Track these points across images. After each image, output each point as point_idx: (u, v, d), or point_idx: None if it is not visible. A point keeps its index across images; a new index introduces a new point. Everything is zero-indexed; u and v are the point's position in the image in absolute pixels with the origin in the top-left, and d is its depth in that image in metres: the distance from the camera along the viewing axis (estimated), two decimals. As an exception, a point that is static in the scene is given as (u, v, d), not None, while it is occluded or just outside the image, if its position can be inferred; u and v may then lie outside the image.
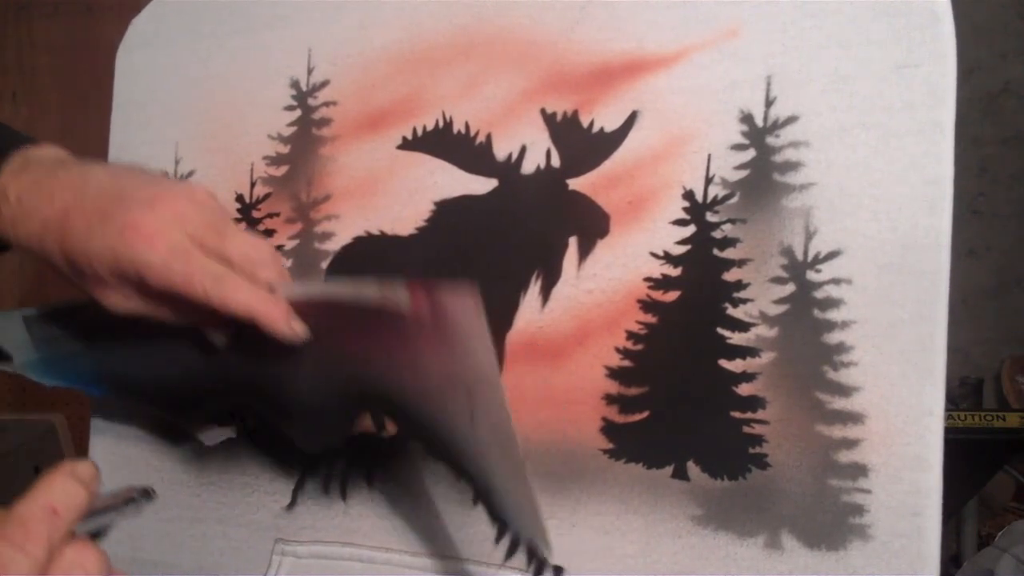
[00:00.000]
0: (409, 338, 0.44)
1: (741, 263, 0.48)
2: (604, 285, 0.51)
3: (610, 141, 0.52)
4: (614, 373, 0.50)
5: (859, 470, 0.44)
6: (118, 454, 0.64)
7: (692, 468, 0.48)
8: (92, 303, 0.49)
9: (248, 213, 0.62)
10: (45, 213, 0.47)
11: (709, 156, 0.49)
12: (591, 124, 0.52)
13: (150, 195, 0.46)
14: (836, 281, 0.45)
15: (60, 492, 0.32)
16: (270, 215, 0.62)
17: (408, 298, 0.43)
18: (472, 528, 0.53)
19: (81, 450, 0.68)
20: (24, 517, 0.31)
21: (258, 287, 0.46)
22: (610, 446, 0.50)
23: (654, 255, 0.50)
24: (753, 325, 0.47)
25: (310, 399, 0.50)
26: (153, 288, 0.46)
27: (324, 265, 0.59)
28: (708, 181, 0.49)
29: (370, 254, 0.58)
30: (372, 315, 0.45)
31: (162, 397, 0.57)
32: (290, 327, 0.46)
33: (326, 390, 0.49)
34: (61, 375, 0.59)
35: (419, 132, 0.57)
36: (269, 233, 0.61)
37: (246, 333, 0.47)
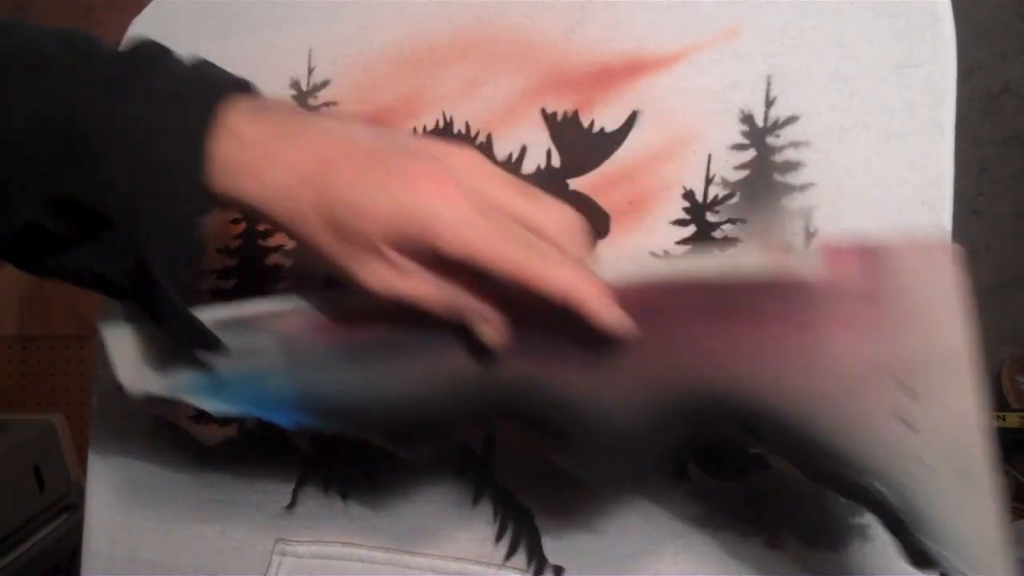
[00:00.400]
0: (811, 315, 0.35)
1: (742, 263, 0.48)
2: (605, 285, 0.51)
3: (610, 141, 0.51)
4: (615, 373, 0.50)
5: (860, 470, 0.44)
6: (117, 454, 0.64)
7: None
8: (300, 305, 0.43)
9: (248, 213, 0.62)
10: (295, 159, 0.39)
11: (709, 156, 0.49)
12: (591, 124, 0.52)
13: (432, 147, 0.39)
14: (837, 281, 0.45)
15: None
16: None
17: (822, 261, 0.34)
18: (472, 528, 0.53)
19: (81, 450, 0.67)
20: None
21: (579, 264, 0.37)
22: (611, 446, 0.50)
23: (654, 255, 0.50)
24: (754, 325, 0.47)
25: (619, 416, 0.40)
26: (440, 252, 0.37)
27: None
28: (708, 181, 0.49)
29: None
30: (741, 292, 0.36)
31: (395, 426, 0.46)
32: (617, 314, 0.37)
33: (646, 403, 0.39)
34: (244, 399, 0.47)
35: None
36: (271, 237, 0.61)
37: (531, 329, 0.39)
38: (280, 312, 0.44)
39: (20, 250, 0.44)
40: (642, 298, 0.38)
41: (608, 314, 0.37)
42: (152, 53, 0.43)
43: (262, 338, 0.46)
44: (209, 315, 0.46)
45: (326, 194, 0.38)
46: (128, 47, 0.43)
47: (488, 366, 0.42)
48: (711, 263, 0.37)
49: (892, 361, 0.34)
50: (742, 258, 0.37)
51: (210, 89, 0.41)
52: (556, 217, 0.40)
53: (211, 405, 0.48)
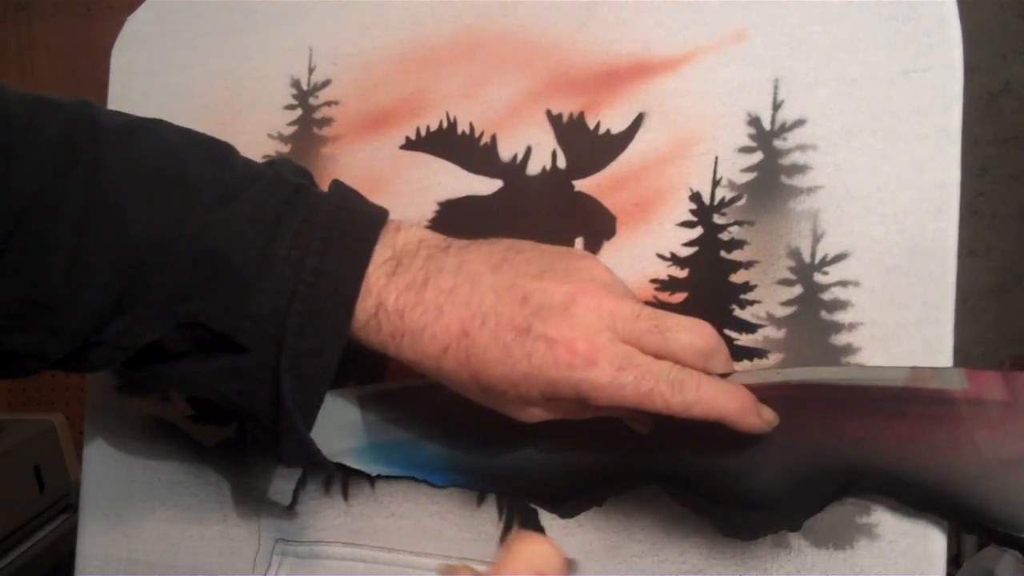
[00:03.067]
0: (956, 418, 0.41)
1: (748, 265, 0.48)
2: (610, 286, 0.51)
3: (616, 143, 0.52)
4: (621, 374, 0.51)
5: (866, 471, 0.45)
6: (114, 454, 0.64)
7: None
8: (442, 387, 0.45)
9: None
10: (436, 332, 0.42)
11: (716, 158, 0.49)
12: (597, 126, 0.52)
13: (559, 296, 0.41)
14: (843, 283, 0.46)
15: (542, 556, 0.32)
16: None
17: (964, 380, 0.41)
18: (477, 528, 0.53)
19: (81, 450, 0.67)
20: None
21: (718, 381, 0.42)
22: (618, 447, 0.51)
23: (661, 257, 0.50)
24: (761, 327, 0.47)
25: (760, 480, 0.45)
26: (591, 405, 0.41)
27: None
28: (715, 183, 0.49)
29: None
30: (885, 395, 0.42)
31: (546, 488, 0.51)
32: (762, 419, 0.42)
33: (789, 471, 0.45)
34: (396, 462, 0.54)
35: (423, 132, 0.57)
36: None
37: (675, 420, 0.41)
38: (435, 385, 0.46)
39: (132, 358, 0.47)
40: (787, 393, 0.44)
41: (752, 422, 0.41)
42: (297, 186, 0.46)
43: (418, 408, 0.52)
44: (370, 389, 0.52)
45: (472, 364, 0.42)
46: (272, 173, 0.47)
47: (636, 445, 0.47)
48: (854, 373, 0.44)
49: None
50: (887, 372, 0.43)
51: (355, 233, 0.45)
52: (687, 342, 0.42)
53: (372, 468, 0.54)
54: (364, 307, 0.44)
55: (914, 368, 0.42)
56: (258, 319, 0.43)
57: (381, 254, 0.44)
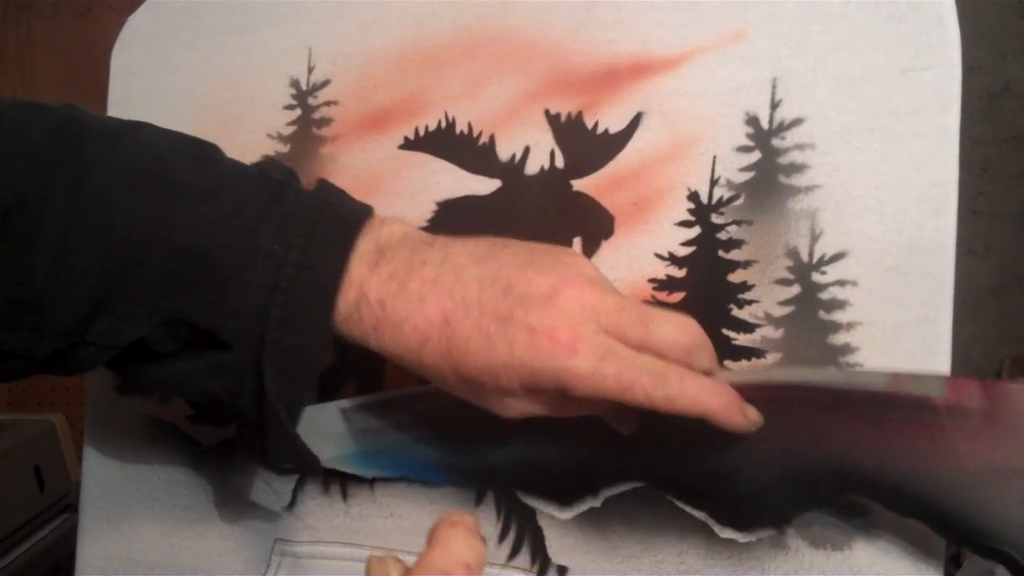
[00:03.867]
0: (935, 426, 0.41)
1: (746, 264, 0.48)
2: (608, 286, 0.51)
3: (615, 142, 0.52)
4: (619, 374, 0.51)
5: (864, 471, 0.45)
6: (114, 454, 0.64)
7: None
8: (426, 394, 0.45)
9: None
10: (417, 322, 0.42)
11: (714, 158, 0.49)
12: (595, 125, 0.52)
13: (543, 287, 0.41)
14: (842, 283, 0.46)
15: (470, 548, 0.32)
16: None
17: (944, 388, 0.40)
18: (475, 528, 0.53)
19: (80, 450, 0.67)
20: (445, 573, 0.31)
21: (702, 377, 0.41)
22: (616, 447, 0.51)
23: (659, 256, 0.50)
24: (759, 326, 0.47)
25: (748, 476, 0.45)
26: (576, 396, 0.40)
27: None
28: (713, 183, 0.49)
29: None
30: (866, 401, 0.42)
31: (542, 485, 0.51)
32: (747, 418, 0.41)
33: (775, 476, 0.45)
34: (388, 466, 0.54)
35: (421, 132, 0.57)
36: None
37: (661, 418, 0.41)
38: (421, 394, 0.47)
39: (117, 359, 0.47)
40: (771, 394, 0.43)
41: (736, 420, 0.41)
42: (281, 183, 0.46)
43: (404, 416, 0.52)
44: (357, 401, 0.52)
45: (453, 354, 0.41)
46: (257, 171, 0.47)
47: (623, 445, 0.47)
48: (836, 376, 0.44)
49: (1014, 465, 0.40)
50: (868, 377, 0.42)
51: (338, 227, 0.44)
52: (671, 336, 0.41)
53: (368, 472, 0.55)
54: (346, 299, 0.43)
55: (894, 374, 0.42)
56: (240, 314, 0.43)
57: (364, 246, 0.44)
